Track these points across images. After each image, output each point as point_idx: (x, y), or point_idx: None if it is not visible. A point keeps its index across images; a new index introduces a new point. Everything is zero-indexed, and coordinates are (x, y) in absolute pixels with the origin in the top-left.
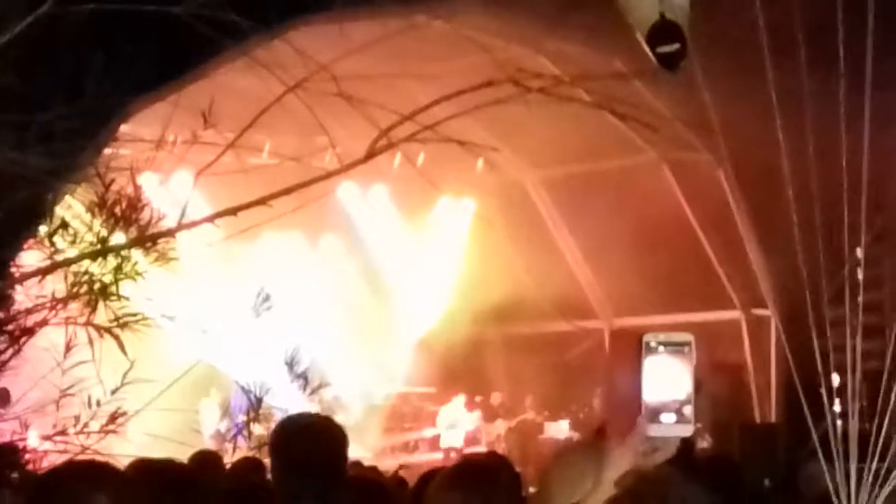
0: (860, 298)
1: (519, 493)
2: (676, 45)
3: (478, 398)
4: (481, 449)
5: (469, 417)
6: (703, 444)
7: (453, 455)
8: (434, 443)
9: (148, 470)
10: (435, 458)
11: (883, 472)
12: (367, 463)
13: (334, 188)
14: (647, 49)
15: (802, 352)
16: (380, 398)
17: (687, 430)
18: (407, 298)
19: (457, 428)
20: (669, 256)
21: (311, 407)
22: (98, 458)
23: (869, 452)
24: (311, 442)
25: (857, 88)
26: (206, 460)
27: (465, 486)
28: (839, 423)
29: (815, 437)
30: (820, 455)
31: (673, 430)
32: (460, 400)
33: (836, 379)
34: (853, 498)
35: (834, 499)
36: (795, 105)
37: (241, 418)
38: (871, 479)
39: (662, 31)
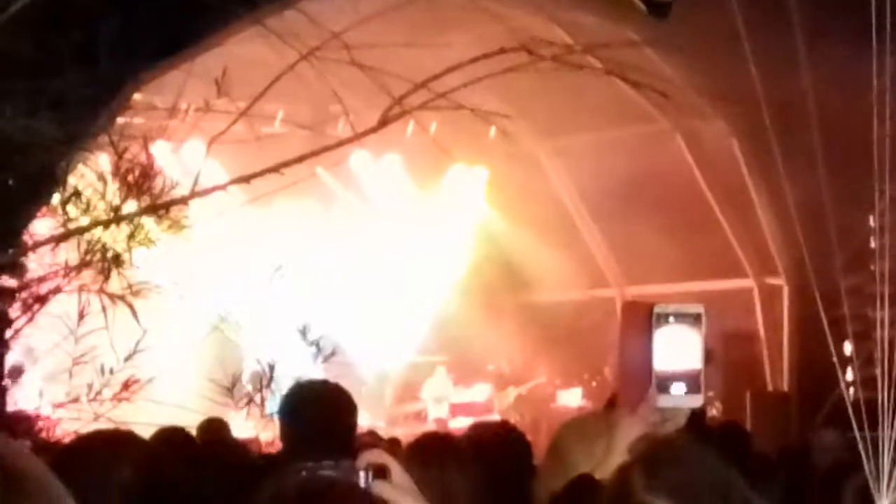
0: (873, 267)
1: (500, 466)
2: None
3: (490, 366)
4: (494, 418)
5: (480, 387)
6: (714, 412)
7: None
8: (452, 411)
9: (171, 440)
10: (450, 426)
11: None
12: (381, 432)
13: (347, 156)
14: None
15: (814, 320)
16: (393, 367)
17: (697, 401)
18: (420, 267)
19: (443, 401)
20: (682, 225)
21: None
22: (119, 426)
23: (882, 420)
24: (318, 409)
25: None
26: (215, 428)
27: (421, 462)
28: (851, 391)
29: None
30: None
31: (683, 401)
32: (442, 371)
33: (848, 347)
34: (877, 466)
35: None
36: (813, 70)
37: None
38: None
39: None
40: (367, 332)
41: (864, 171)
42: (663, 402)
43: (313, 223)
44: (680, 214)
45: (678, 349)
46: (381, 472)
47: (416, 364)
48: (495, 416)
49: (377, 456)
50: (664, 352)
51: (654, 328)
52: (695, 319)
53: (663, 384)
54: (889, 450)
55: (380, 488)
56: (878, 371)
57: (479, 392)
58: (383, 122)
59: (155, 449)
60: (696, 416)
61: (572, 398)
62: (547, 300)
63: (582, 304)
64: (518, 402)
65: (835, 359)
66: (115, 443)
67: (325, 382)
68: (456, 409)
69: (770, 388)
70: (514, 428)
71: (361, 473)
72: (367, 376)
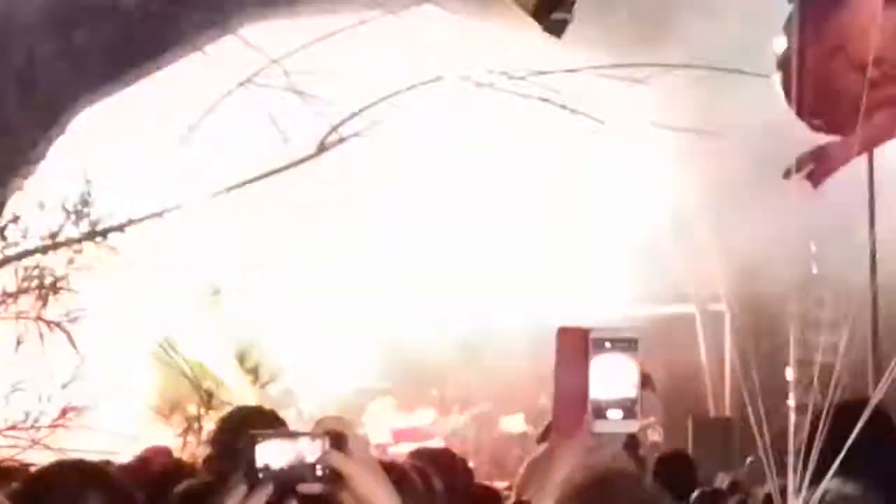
0: (815, 293)
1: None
2: (568, 14)
3: (434, 391)
4: (438, 443)
5: (424, 413)
6: (657, 437)
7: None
8: (395, 436)
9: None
10: (396, 451)
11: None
12: None
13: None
14: (524, 13)
15: (756, 346)
16: (336, 392)
17: (633, 427)
18: (363, 291)
19: (385, 426)
20: (625, 250)
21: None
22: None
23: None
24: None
25: None
26: (160, 454)
27: None
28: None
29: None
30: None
31: (619, 426)
32: (387, 400)
33: (790, 373)
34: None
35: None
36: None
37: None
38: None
39: None
40: (309, 356)
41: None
42: (599, 427)
43: (255, 245)
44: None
45: (614, 374)
46: (338, 440)
47: (359, 389)
48: (439, 442)
49: (336, 422)
50: (600, 377)
51: (590, 354)
52: (631, 345)
53: (599, 410)
54: (799, 476)
55: (334, 459)
56: (818, 398)
57: (423, 417)
58: (321, 149)
59: (122, 479)
60: (630, 442)
61: (515, 424)
62: (491, 324)
63: (526, 328)
64: (461, 427)
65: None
66: (79, 472)
67: (258, 408)
68: (399, 435)
69: (712, 413)
70: (455, 455)
71: (318, 441)
72: (309, 402)
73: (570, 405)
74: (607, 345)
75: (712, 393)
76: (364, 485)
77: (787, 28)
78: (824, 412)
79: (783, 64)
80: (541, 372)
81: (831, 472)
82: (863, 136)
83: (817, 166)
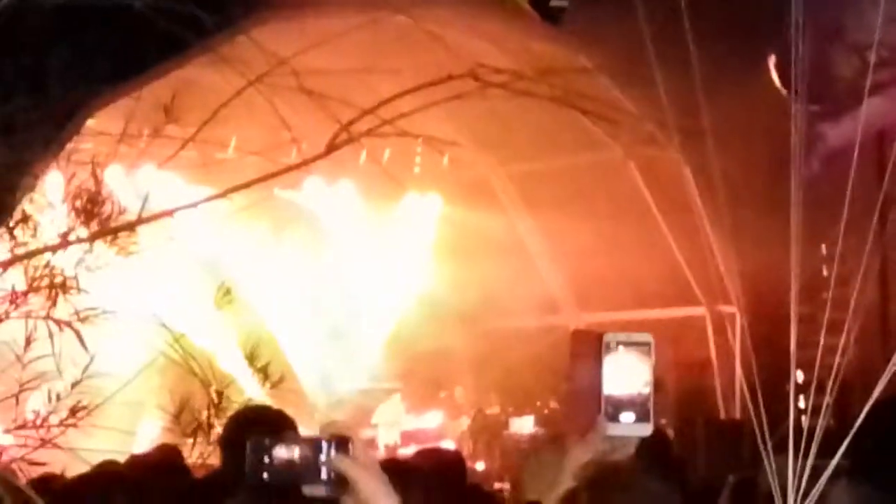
0: (825, 295)
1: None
2: (566, 2)
3: (442, 394)
4: (449, 444)
5: (433, 414)
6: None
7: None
8: (404, 438)
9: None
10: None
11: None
12: None
13: (300, 182)
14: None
15: (767, 348)
16: (345, 393)
17: (646, 430)
18: (373, 293)
19: (395, 427)
20: (636, 253)
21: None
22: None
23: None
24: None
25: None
26: (169, 453)
27: None
28: (803, 419)
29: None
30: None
31: (632, 430)
32: (395, 397)
33: (801, 376)
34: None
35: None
36: (765, 100)
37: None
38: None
39: None
40: (320, 357)
41: (816, 200)
42: (612, 430)
43: (267, 247)
44: (634, 243)
45: (627, 378)
46: (342, 444)
47: (368, 390)
48: (449, 443)
49: (340, 427)
50: (613, 380)
51: (603, 357)
52: (644, 348)
53: (612, 413)
54: (799, 478)
55: (340, 463)
56: (830, 400)
57: (431, 419)
58: (330, 149)
59: (140, 479)
60: (662, 443)
61: (525, 425)
62: (500, 327)
63: (535, 330)
64: (471, 429)
65: (788, 387)
66: (104, 478)
67: (267, 408)
68: (408, 437)
69: (723, 415)
70: (457, 454)
71: (323, 444)
72: (319, 402)
73: (583, 407)
74: (620, 348)
75: (722, 395)
76: (367, 489)
77: (783, 11)
78: (822, 411)
79: (780, 48)
80: (552, 374)
81: (828, 471)
82: (860, 121)
83: (813, 151)
